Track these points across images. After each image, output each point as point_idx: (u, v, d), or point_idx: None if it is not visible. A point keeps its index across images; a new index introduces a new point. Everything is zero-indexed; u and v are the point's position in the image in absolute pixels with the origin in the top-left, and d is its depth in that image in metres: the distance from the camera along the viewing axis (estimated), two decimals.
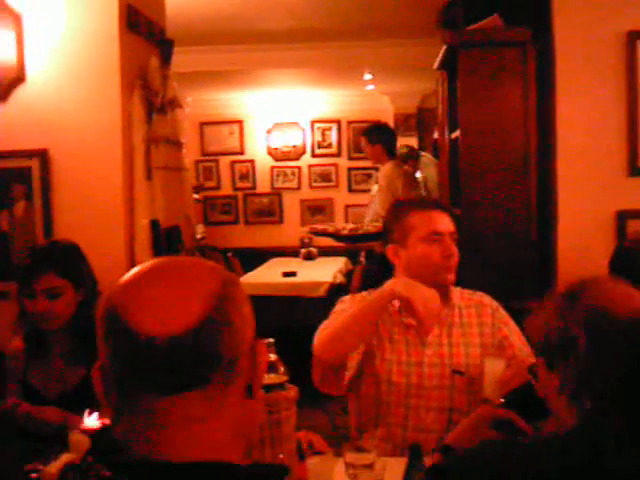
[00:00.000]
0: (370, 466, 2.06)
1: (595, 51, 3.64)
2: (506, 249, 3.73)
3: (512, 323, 2.68)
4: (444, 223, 2.60)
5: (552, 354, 1.54)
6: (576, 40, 3.66)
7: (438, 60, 4.43)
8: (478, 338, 2.61)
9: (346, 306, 2.64)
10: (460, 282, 3.63)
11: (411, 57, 7.40)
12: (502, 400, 2.38)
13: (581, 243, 3.59)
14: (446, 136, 4.58)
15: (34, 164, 3.61)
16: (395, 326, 2.62)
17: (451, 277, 2.61)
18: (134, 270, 1.17)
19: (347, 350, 2.51)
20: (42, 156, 3.61)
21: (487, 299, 2.71)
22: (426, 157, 8.35)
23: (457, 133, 3.99)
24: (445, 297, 2.61)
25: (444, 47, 4.13)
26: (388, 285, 2.43)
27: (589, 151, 3.65)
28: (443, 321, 2.60)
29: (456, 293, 2.70)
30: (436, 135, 8.59)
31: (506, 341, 2.63)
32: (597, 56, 3.64)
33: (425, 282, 2.54)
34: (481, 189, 3.75)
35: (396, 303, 2.62)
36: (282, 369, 2.06)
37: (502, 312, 2.69)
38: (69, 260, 2.71)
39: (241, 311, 1.16)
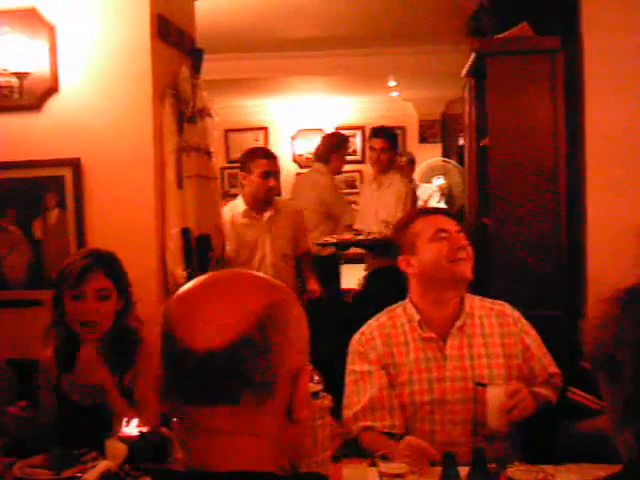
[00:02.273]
0: (403, 476, 2.07)
1: (624, 58, 3.62)
2: (536, 258, 3.72)
3: (533, 332, 2.67)
4: (448, 222, 2.63)
5: (598, 369, 1.32)
6: (605, 47, 3.64)
7: (466, 67, 4.44)
8: (500, 348, 2.60)
9: (365, 367, 2.63)
10: (490, 292, 3.65)
11: (436, 63, 7.41)
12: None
13: (611, 251, 3.56)
14: (474, 144, 4.57)
15: (67, 173, 3.65)
16: (414, 341, 2.62)
17: (466, 270, 2.58)
18: (191, 282, 1.20)
19: None
20: (75, 165, 3.64)
21: (508, 309, 2.70)
22: (451, 164, 8.34)
23: (486, 141, 3.99)
24: (460, 304, 2.63)
25: (473, 55, 4.14)
26: None
27: (619, 159, 3.63)
28: (463, 331, 2.60)
29: (475, 302, 2.68)
30: (461, 142, 8.59)
31: (528, 352, 2.63)
32: (626, 63, 3.61)
33: (442, 283, 2.58)
34: (511, 198, 3.74)
35: (416, 316, 2.63)
36: (316, 378, 2.07)
37: (523, 321, 2.68)
38: (114, 264, 2.76)
39: (285, 334, 1.15)
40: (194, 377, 1.11)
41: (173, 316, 1.16)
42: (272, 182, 4.64)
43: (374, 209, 5.66)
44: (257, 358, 1.11)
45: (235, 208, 4.74)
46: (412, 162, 7.82)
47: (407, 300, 2.70)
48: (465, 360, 2.58)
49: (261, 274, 1.26)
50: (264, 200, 4.65)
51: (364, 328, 2.72)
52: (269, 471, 1.14)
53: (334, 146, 6.04)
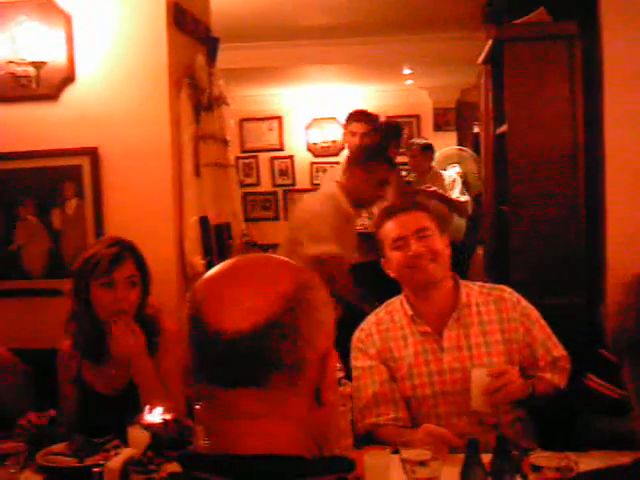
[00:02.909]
0: (427, 462, 2.07)
1: None
2: (555, 245, 3.70)
3: (535, 314, 2.67)
4: (406, 226, 2.62)
5: (623, 355, 1.30)
6: (624, 32, 3.61)
7: (483, 55, 4.41)
8: (500, 334, 2.60)
9: (367, 362, 2.65)
10: (508, 279, 3.64)
11: (450, 51, 7.37)
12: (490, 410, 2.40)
13: (630, 238, 3.55)
14: (491, 131, 4.55)
15: (84, 162, 3.65)
16: (413, 335, 2.63)
17: (427, 275, 2.58)
18: (218, 265, 1.21)
19: None
20: (92, 154, 3.65)
21: (507, 293, 2.69)
22: (466, 152, 8.32)
23: (503, 128, 3.97)
24: (454, 296, 2.64)
25: (489, 42, 4.10)
26: None
27: (638, 145, 3.60)
28: (460, 322, 2.60)
29: (474, 291, 2.68)
30: (476, 130, 8.56)
31: (529, 335, 2.62)
32: None
33: (412, 285, 2.65)
34: (529, 185, 3.72)
35: (409, 312, 2.65)
36: (338, 365, 2.07)
37: (524, 304, 2.67)
38: (139, 252, 2.78)
39: (313, 317, 1.15)
40: (222, 360, 1.11)
41: (201, 299, 1.15)
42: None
43: None
44: (285, 341, 1.11)
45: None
46: (426, 149, 6.95)
47: (402, 294, 2.73)
48: (463, 351, 2.58)
49: (286, 258, 1.26)
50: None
51: (363, 324, 2.75)
52: (297, 454, 1.13)
53: (390, 136, 5.84)
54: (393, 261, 2.63)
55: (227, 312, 1.12)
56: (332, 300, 1.23)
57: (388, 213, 2.70)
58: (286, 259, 1.24)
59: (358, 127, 5.25)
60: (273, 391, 1.12)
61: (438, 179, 6.69)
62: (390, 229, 2.64)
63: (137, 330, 2.65)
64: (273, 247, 8.04)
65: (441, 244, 2.62)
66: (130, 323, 2.64)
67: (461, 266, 5.17)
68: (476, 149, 8.01)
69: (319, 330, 1.16)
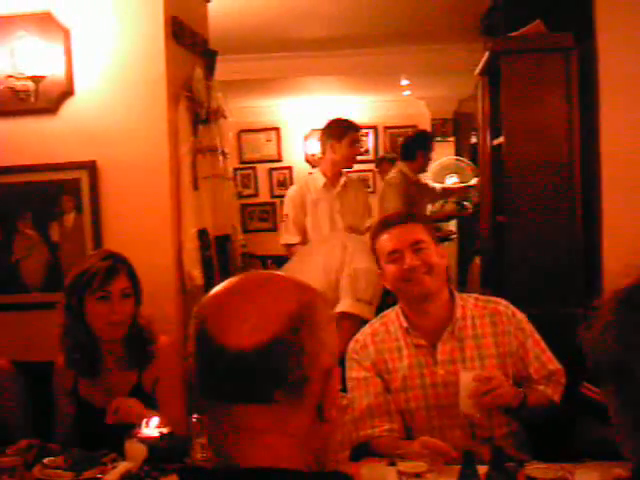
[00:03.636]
0: (423, 474, 2.07)
1: (638, 55, 3.61)
2: (552, 255, 3.71)
3: (530, 328, 2.65)
4: (400, 239, 2.60)
5: (605, 376, 1.27)
6: (619, 44, 3.64)
7: (480, 66, 4.43)
8: (494, 348, 2.59)
9: (361, 374, 2.65)
10: (505, 289, 3.65)
11: (448, 62, 7.40)
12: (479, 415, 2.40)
13: (626, 247, 3.55)
14: (487, 142, 4.57)
15: (83, 176, 3.67)
16: (407, 347, 2.63)
17: (422, 287, 2.57)
18: (226, 281, 1.23)
19: None
20: (91, 168, 3.66)
21: (502, 306, 2.68)
22: (463, 162, 8.33)
23: (500, 139, 3.98)
24: (449, 309, 2.63)
25: (486, 53, 4.13)
26: None
27: (634, 155, 3.62)
28: (454, 336, 2.60)
29: (469, 303, 2.67)
30: (474, 140, 8.57)
31: (522, 349, 2.61)
32: None
33: (406, 298, 2.64)
34: (526, 196, 3.74)
35: (404, 324, 2.64)
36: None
37: (519, 317, 2.66)
38: (130, 264, 2.79)
39: (317, 335, 1.17)
40: (227, 375, 1.13)
41: (208, 314, 1.17)
42: (359, 150, 4.96)
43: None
44: (290, 358, 1.13)
45: (311, 182, 4.90)
46: (394, 162, 6.87)
47: (398, 305, 2.73)
48: (457, 364, 2.57)
49: (292, 276, 1.27)
50: (350, 167, 4.90)
51: (358, 335, 2.75)
52: (295, 468, 1.15)
53: (422, 144, 6.03)
54: (389, 274, 2.63)
55: (233, 328, 1.14)
56: None
57: (383, 226, 2.69)
58: (292, 277, 1.26)
59: (358, 135, 5.14)
60: (275, 407, 1.13)
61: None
62: (385, 242, 2.63)
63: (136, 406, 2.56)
64: (272, 258, 8.08)
65: (436, 256, 2.60)
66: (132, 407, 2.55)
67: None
68: (474, 159, 8.02)
69: (323, 348, 1.18)
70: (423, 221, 2.71)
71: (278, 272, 1.31)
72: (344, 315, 3.54)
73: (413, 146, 6.13)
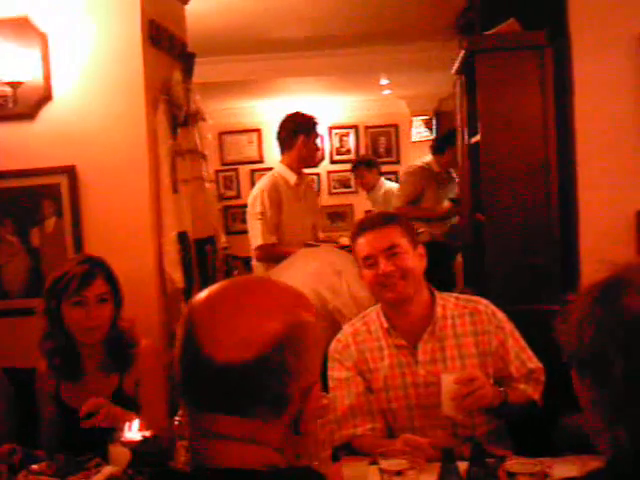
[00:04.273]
0: (404, 472, 2.09)
1: (611, 53, 3.64)
2: (529, 253, 3.74)
3: (510, 327, 2.66)
4: (374, 244, 2.58)
5: (582, 369, 1.29)
6: (592, 42, 3.66)
7: (456, 65, 4.46)
8: (474, 348, 2.60)
9: (343, 374, 2.66)
10: (485, 287, 3.67)
11: (426, 61, 7.43)
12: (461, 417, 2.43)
13: (603, 244, 3.59)
14: (465, 140, 4.60)
15: (62, 181, 3.66)
16: (386, 348, 2.64)
17: (396, 293, 2.57)
18: (217, 286, 1.23)
19: None
20: (70, 172, 3.66)
21: (483, 305, 2.68)
22: None
23: (477, 138, 4.01)
24: (430, 309, 2.64)
25: (462, 52, 4.16)
26: None
27: (609, 152, 3.65)
28: (434, 336, 2.61)
29: (449, 303, 2.67)
30: None
31: (502, 348, 2.63)
32: (613, 57, 3.63)
33: (384, 301, 2.65)
34: (503, 194, 3.76)
35: (385, 324, 2.65)
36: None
37: (499, 317, 2.67)
38: (109, 267, 2.79)
39: (301, 357, 1.18)
40: (210, 386, 1.15)
41: (198, 320, 1.18)
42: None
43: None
44: (273, 376, 1.15)
45: (282, 178, 4.69)
46: (370, 165, 7.69)
47: (379, 305, 2.73)
48: (438, 364, 2.58)
49: (289, 285, 1.28)
50: (315, 164, 4.95)
51: (339, 335, 2.75)
52: (259, 469, 1.16)
53: (451, 141, 6.01)
54: (365, 278, 2.63)
55: (221, 340, 1.15)
56: None
57: (359, 229, 2.66)
58: (287, 288, 1.26)
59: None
60: (254, 419, 1.15)
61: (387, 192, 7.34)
62: (360, 247, 2.62)
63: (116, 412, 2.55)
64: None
65: (412, 261, 2.58)
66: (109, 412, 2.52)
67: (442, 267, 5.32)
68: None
69: (306, 368, 1.20)
70: (401, 223, 2.66)
71: (271, 280, 1.31)
72: None
73: (444, 142, 6.36)
